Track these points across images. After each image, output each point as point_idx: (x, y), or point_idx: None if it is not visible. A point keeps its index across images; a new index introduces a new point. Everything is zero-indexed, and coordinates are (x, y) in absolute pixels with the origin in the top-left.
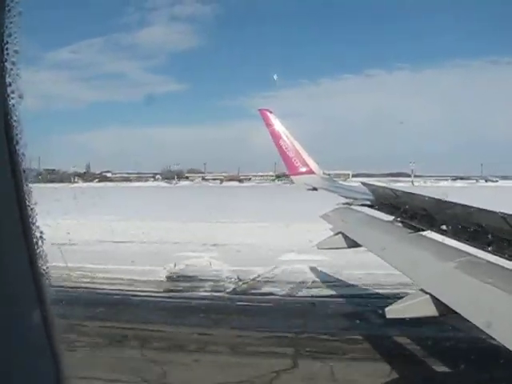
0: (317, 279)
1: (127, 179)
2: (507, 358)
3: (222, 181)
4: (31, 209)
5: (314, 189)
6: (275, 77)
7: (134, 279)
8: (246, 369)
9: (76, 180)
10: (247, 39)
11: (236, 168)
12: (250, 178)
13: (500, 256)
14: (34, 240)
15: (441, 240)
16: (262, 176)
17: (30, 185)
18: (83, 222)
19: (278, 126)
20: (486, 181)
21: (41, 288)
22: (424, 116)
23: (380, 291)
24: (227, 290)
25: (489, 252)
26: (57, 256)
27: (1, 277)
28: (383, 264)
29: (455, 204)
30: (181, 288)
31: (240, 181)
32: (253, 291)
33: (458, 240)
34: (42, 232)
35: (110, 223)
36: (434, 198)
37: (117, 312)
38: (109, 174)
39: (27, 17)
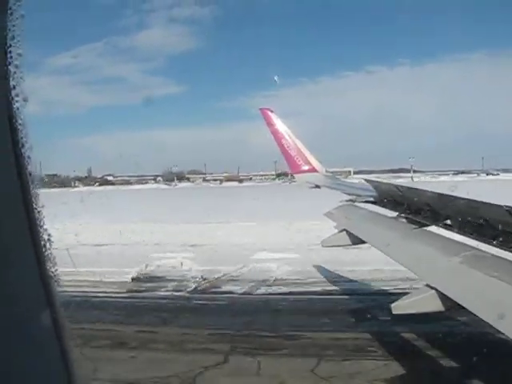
0: (281, 277)
1: (128, 182)
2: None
3: (221, 181)
4: (38, 211)
5: (317, 187)
6: (276, 78)
7: (101, 281)
8: (177, 365)
9: (76, 184)
10: (245, 40)
11: (236, 168)
12: (250, 178)
13: (505, 249)
14: (42, 242)
15: (445, 235)
16: (262, 175)
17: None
18: (68, 226)
19: (279, 124)
20: (487, 174)
21: (49, 290)
22: (425, 111)
23: (331, 287)
24: (188, 290)
25: (494, 246)
26: None
27: (9, 279)
28: (353, 259)
29: (459, 198)
30: (143, 288)
31: (240, 181)
32: (213, 290)
33: (463, 234)
34: (49, 234)
35: (96, 226)
36: (437, 193)
37: (70, 313)
38: (110, 178)
39: (28, 21)
